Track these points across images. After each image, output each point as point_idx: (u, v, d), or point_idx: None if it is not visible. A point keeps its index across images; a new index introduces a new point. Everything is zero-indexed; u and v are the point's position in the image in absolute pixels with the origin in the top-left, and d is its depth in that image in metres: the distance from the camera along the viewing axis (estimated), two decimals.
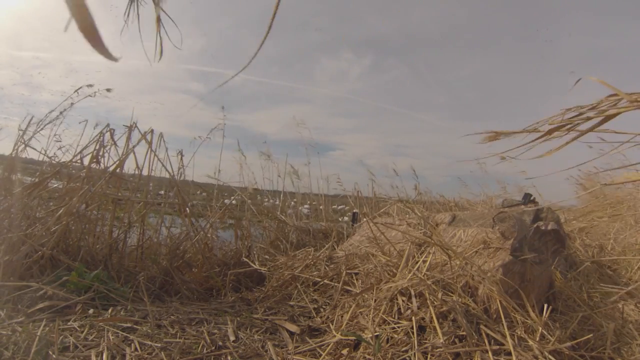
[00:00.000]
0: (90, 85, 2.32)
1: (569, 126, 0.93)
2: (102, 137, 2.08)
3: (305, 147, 3.95)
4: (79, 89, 2.31)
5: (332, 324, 1.43)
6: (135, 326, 1.28)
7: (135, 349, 1.13)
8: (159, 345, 1.16)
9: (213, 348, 1.20)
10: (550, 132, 0.97)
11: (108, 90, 2.36)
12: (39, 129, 2.18)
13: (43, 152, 2.21)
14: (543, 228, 1.62)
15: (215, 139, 3.12)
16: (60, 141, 2.37)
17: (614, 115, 0.85)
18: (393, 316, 1.29)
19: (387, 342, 1.20)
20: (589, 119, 0.89)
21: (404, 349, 1.15)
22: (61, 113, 2.31)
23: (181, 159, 2.55)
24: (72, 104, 2.32)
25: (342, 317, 1.43)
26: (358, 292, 1.53)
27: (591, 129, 0.90)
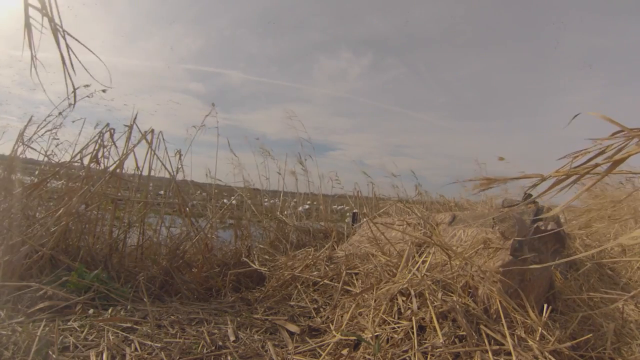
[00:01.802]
0: (87, 86, 2.31)
1: (574, 177, 0.91)
2: (101, 137, 2.08)
3: (301, 143, 3.92)
4: (76, 89, 2.30)
5: (332, 324, 1.43)
6: (135, 326, 1.28)
7: (135, 349, 1.13)
8: (159, 345, 1.16)
9: (213, 348, 1.20)
10: (553, 185, 0.95)
11: (104, 91, 2.36)
12: (39, 130, 2.18)
13: (43, 152, 2.21)
14: (543, 228, 1.62)
15: (213, 138, 3.13)
16: (57, 138, 2.37)
17: (624, 159, 0.82)
18: (393, 316, 1.29)
19: (387, 342, 1.20)
20: (597, 165, 0.87)
21: (404, 349, 1.15)
22: (60, 113, 2.31)
23: (179, 158, 2.55)
24: (70, 104, 2.32)
25: (342, 317, 1.43)
26: (358, 292, 1.53)
27: (601, 177, 0.87)
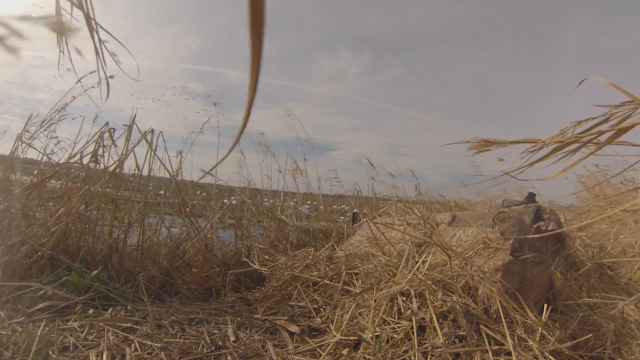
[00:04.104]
0: (93, 72, 2.28)
1: (576, 145, 0.88)
2: (101, 137, 2.08)
3: (300, 143, 3.93)
4: (82, 77, 2.27)
5: (332, 324, 1.43)
6: (135, 326, 1.28)
7: (135, 349, 1.13)
8: (159, 345, 1.16)
9: (213, 348, 1.20)
10: (555, 150, 0.92)
11: (111, 77, 2.33)
12: (39, 129, 2.19)
13: (42, 151, 2.22)
14: (544, 228, 1.62)
15: (213, 138, 3.14)
16: (56, 136, 2.37)
17: (630, 128, 0.80)
18: (393, 316, 1.29)
19: (387, 342, 1.20)
20: (601, 133, 0.84)
21: (404, 349, 1.15)
22: (63, 108, 2.31)
23: (180, 160, 2.55)
24: (74, 97, 2.31)
25: (342, 317, 1.43)
26: (358, 292, 1.53)
27: (602, 145, 0.84)
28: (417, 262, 1.57)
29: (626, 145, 0.91)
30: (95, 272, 1.59)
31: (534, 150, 1.00)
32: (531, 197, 2.13)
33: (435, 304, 1.28)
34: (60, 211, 1.78)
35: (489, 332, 1.20)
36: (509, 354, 1.12)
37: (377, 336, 1.21)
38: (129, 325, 1.28)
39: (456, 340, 1.17)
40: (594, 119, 0.87)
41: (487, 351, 1.13)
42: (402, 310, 1.30)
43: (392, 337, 1.21)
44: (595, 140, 0.85)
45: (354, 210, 3.73)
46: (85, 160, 2.02)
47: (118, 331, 1.22)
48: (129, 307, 1.46)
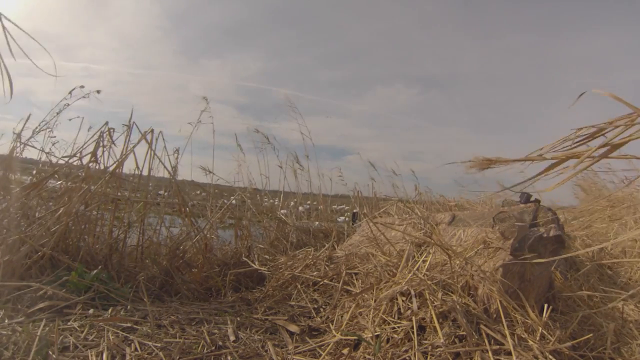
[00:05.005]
0: (82, 87, 2.38)
1: (574, 161, 0.88)
2: (101, 137, 2.08)
3: (303, 138, 3.93)
4: (72, 90, 2.36)
5: (332, 324, 1.43)
6: (135, 326, 1.28)
7: (135, 349, 1.13)
8: (159, 345, 1.16)
9: (213, 348, 1.20)
10: (552, 167, 0.92)
11: (98, 92, 2.42)
12: (37, 130, 2.19)
13: (42, 150, 2.22)
14: (545, 235, 1.60)
15: (218, 138, 3.15)
16: (54, 136, 2.39)
17: (624, 143, 0.79)
18: (393, 316, 1.29)
19: (387, 342, 1.20)
20: (600, 147, 0.83)
21: (404, 349, 1.15)
22: (58, 114, 2.34)
23: (177, 157, 2.55)
24: (67, 104, 2.36)
25: (342, 317, 1.44)
26: (358, 292, 1.53)
27: (596, 160, 0.84)
28: (417, 262, 1.57)
29: (629, 158, 0.90)
30: (95, 272, 1.59)
31: (536, 176, 0.99)
32: (525, 197, 2.09)
33: (435, 303, 1.28)
34: (60, 211, 1.77)
35: (489, 332, 1.20)
36: (509, 353, 1.12)
37: (377, 336, 1.21)
38: (129, 325, 1.28)
39: (456, 340, 1.17)
40: (593, 134, 0.87)
41: (487, 351, 1.13)
42: (402, 310, 1.30)
43: (392, 337, 1.20)
44: (595, 153, 0.85)
45: (354, 210, 3.73)
46: (85, 160, 2.02)
47: (118, 331, 1.22)
48: (129, 307, 1.46)
